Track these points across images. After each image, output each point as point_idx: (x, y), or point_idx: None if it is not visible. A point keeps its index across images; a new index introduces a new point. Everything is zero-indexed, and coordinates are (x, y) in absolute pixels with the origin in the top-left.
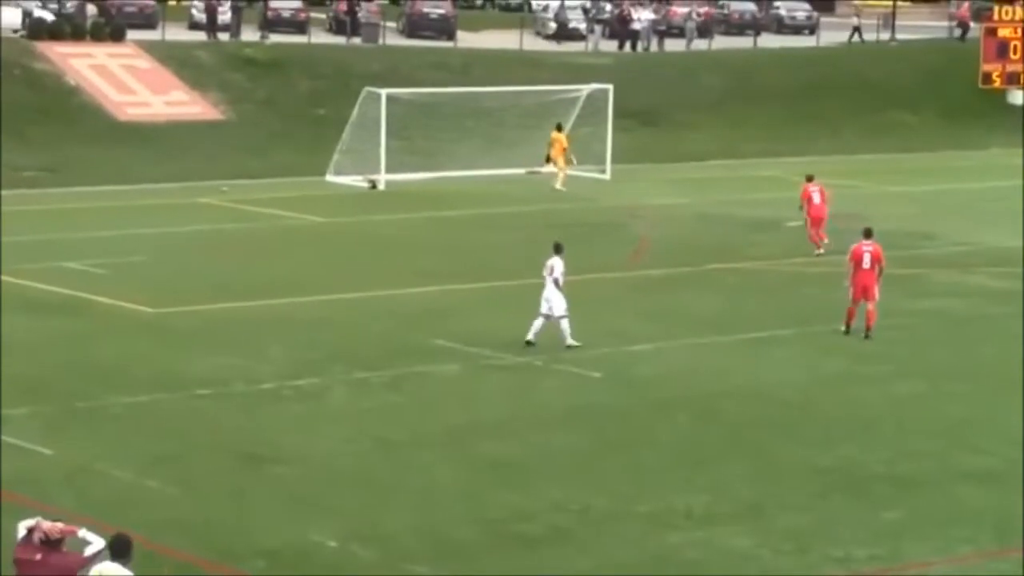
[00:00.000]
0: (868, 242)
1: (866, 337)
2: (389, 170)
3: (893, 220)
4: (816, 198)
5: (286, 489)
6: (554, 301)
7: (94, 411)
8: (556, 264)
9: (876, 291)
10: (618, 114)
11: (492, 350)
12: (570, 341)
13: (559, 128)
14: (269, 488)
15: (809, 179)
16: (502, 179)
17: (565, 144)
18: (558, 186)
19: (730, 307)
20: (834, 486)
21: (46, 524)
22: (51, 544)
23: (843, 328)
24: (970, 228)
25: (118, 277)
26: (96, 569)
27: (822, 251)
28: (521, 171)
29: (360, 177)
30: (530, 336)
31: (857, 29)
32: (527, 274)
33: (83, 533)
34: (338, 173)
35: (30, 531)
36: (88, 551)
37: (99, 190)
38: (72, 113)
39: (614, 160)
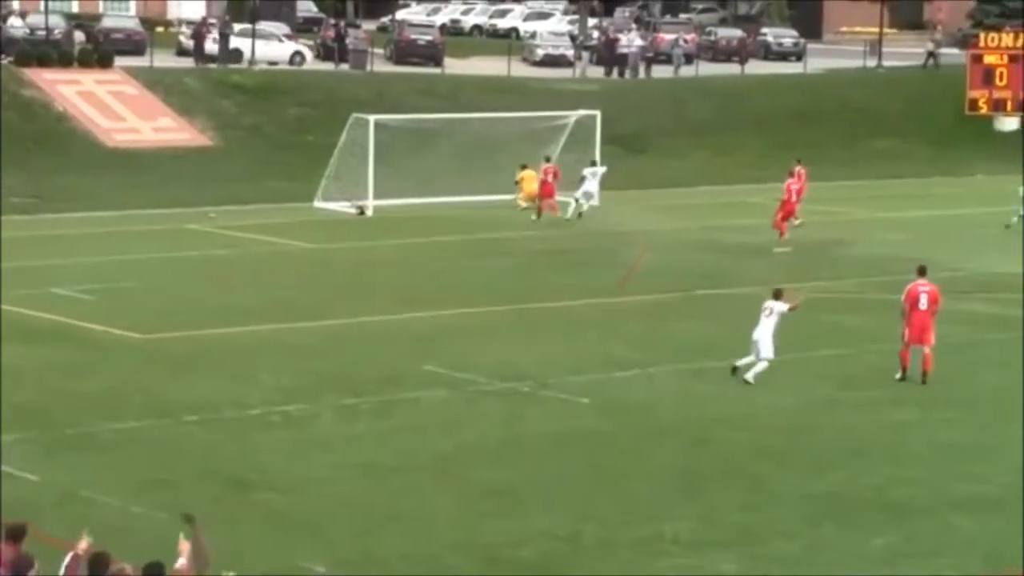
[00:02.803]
0: (923, 282)
1: (923, 382)
2: (377, 196)
3: (880, 246)
4: (549, 177)
5: (275, 515)
6: (763, 341)
7: (83, 438)
8: (776, 306)
9: (932, 335)
10: (606, 140)
11: (481, 376)
12: (750, 378)
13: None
14: (258, 514)
15: (547, 159)
16: (490, 205)
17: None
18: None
19: (719, 333)
20: (825, 512)
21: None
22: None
23: (898, 375)
24: (958, 254)
25: (107, 303)
26: None
27: (534, 217)
28: (509, 197)
29: (348, 203)
30: (747, 374)
31: (932, 54)
32: (515, 300)
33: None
34: (326, 199)
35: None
36: None
37: (87, 216)
38: (60, 139)
39: (602, 186)
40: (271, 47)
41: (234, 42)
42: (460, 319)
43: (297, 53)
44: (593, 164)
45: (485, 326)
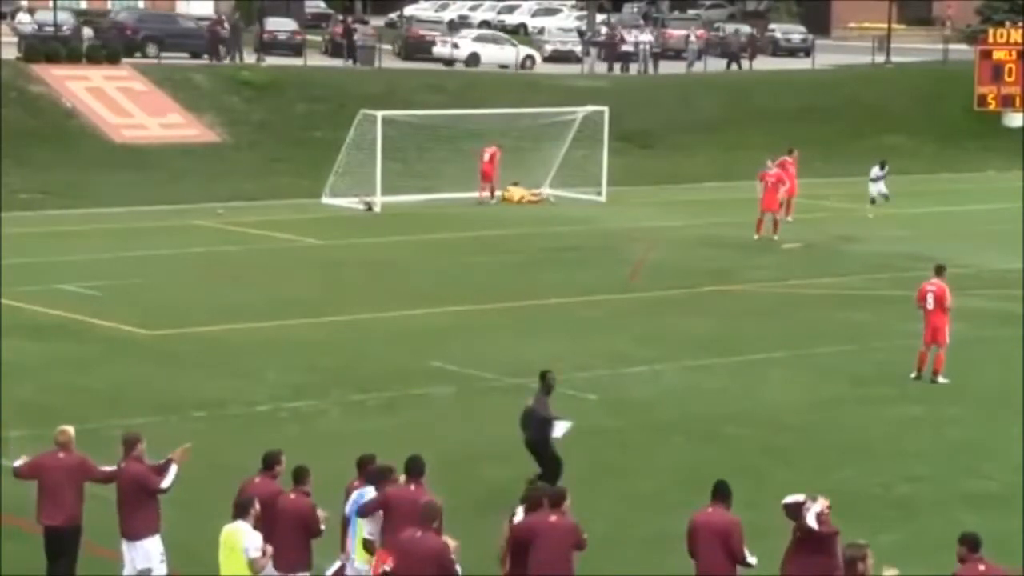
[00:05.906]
0: (932, 281)
1: (932, 381)
2: (385, 192)
3: (889, 243)
4: (486, 157)
5: None
6: None
7: (91, 434)
8: None
9: (945, 335)
10: (613, 136)
11: (488, 372)
12: None
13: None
14: None
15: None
16: (498, 202)
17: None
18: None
19: (726, 329)
20: (832, 509)
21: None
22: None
23: (913, 374)
24: (967, 250)
25: (113, 299)
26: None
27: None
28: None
29: (356, 199)
30: None
31: None
32: (523, 296)
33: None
34: (334, 195)
35: None
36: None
37: (95, 212)
38: (68, 135)
39: (609, 183)
40: (504, 51)
41: (468, 47)
42: (468, 315)
43: (528, 57)
44: (882, 166)
45: (492, 322)
